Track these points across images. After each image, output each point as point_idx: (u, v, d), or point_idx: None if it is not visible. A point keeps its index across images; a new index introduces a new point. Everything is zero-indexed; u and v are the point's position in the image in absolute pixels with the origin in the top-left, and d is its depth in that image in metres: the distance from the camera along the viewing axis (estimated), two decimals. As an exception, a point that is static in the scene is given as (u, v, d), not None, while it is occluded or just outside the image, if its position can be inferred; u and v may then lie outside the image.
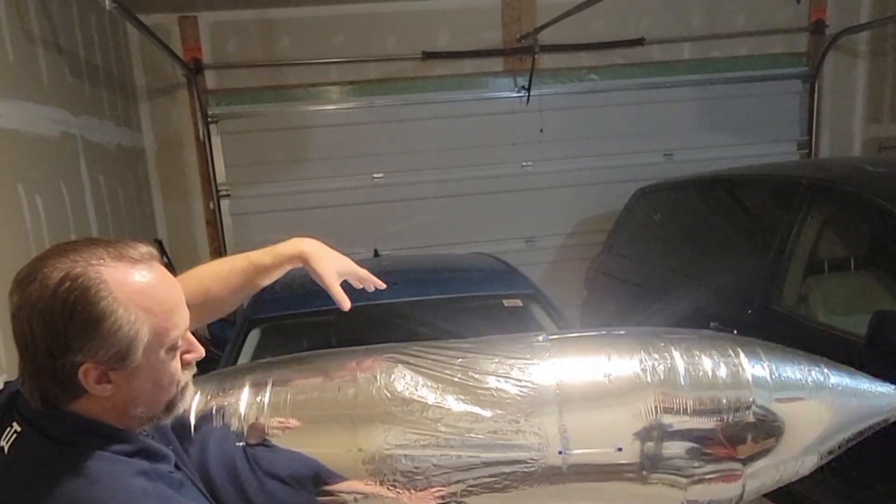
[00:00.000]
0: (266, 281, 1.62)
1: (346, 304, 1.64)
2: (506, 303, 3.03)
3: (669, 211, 4.81)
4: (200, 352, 1.22)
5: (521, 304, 3.03)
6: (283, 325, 3.06)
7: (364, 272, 1.73)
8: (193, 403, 1.51)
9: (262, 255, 1.62)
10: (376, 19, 5.81)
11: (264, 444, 1.52)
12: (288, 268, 1.63)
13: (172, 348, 1.14)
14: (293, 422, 1.53)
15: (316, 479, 1.51)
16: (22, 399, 1.14)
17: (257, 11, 5.65)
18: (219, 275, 1.55)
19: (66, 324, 1.03)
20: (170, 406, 1.19)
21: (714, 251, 4.10)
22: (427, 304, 3.03)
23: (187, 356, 1.19)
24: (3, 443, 1.11)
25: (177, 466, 1.21)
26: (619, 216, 5.25)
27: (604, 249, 5.33)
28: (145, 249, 1.14)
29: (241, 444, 1.50)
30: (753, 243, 3.84)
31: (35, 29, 3.47)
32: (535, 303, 3.05)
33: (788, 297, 3.40)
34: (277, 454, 1.51)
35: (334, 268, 1.64)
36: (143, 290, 1.09)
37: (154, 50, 5.20)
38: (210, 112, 5.75)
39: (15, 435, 1.11)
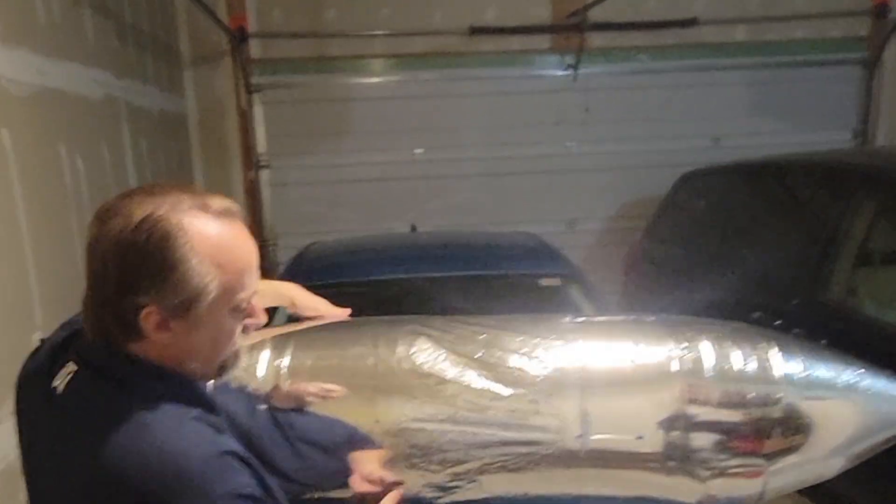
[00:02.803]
0: None
1: (345, 314, 1.73)
2: (543, 282, 2.98)
3: (714, 197, 4.68)
4: (262, 320, 1.21)
5: (560, 284, 2.97)
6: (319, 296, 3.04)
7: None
8: None
9: (262, 281, 1.71)
10: (424, -9, 5.75)
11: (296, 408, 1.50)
12: (274, 302, 1.68)
13: (237, 310, 1.13)
14: (336, 389, 1.51)
15: (349, 445, 1.50)
16: (80, 338, 1.14)
17: (305, -20, 5.63)
18: None
19: (139, 263, 1.03)
20: (222, 368, 1.18)
21: (759, 239, 3.98)
22: (463, 280, 2.99)
23: (248, 321, 1.18)
24: (57, 382, 1.11)
25: None
26: (662, 201, 5.15)
27: (645, 234, 5.23)
28: (228, 203, 1.13)
29: (263, 406, 1.47)
30: (801, 232, 3.72)
31: (82, -10, 3.48)
32: (574, 283, 2.99)
33: (836, 289, 3.28)
34: (311, 418, 1.49)
35: (321, 300, 1.73)
36: (221, 245, 1.08)
37: (200, 17, 5.21)
38: (253, 81, 5.75)
39: (70, 375, 1.11)
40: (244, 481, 1.06)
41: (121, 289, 1.05)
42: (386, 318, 1.72)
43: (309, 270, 3.25)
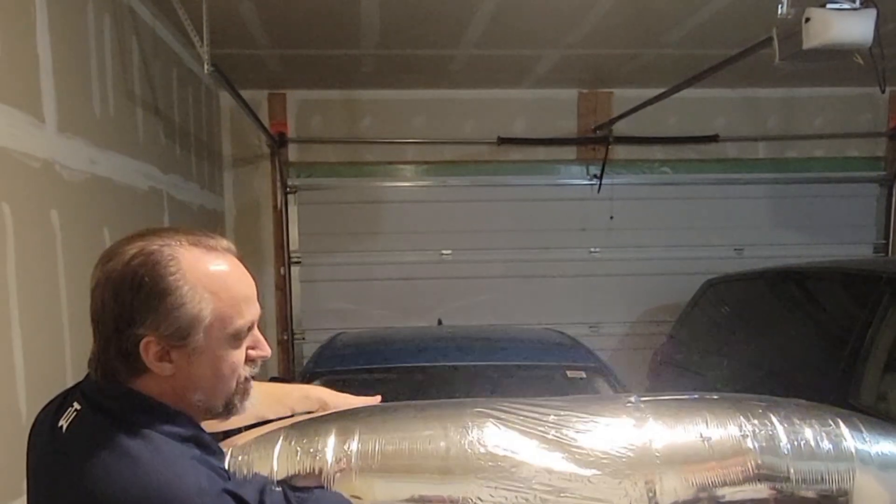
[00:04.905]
0: (283, 411, 1.66)
1: (376, 400, 1.72)
2: (569, 373, 2.99)
3: (738, 302, 4.70)
4: (267, 351, 1.23)
5: (585, 376, 2.98)
6: (345, 381, 3.06)
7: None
8: (276, 450, 1.48)
9: (287, 385, 1.73)
10: (455, 104, 6.01)
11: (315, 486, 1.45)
12: (302, 406, 1.68)
13: (236, 338, 1.15)
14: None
15: None
16: (86, 378, 1.17)
17: (343, 92, 5.92)
18: None
19: (132, 295, 1.07)
20: (229, 404, 1.19)
21: (785, 344, 3.96)
22: (490, 370, 3.02)
23: (252, 352, 1.20)
24: (62, 422, 1.14)
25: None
26: (686, 305, 5.16)
27: (669, 339, 5.22)
28: (224, 243, 1.18)
29: (277, 488, 1.40)
30: (827, 338, 3.71)
31: (137, 90, 3.71)
32: (600, 375, 3.00)
33: (866, 395, 3.25)
34: (326, 494, 1.44)
35: (350, 396, 1.73)
36: (213, 275, 1.12)
37: (242, 122, 5.50)
38: (290, 183, 5.97)
39: (74, 413, 1.13)
40: None
41: (119, 323, 1.08)
42: (447, 401, 1.69)
43: (337, 357, 3.30)
